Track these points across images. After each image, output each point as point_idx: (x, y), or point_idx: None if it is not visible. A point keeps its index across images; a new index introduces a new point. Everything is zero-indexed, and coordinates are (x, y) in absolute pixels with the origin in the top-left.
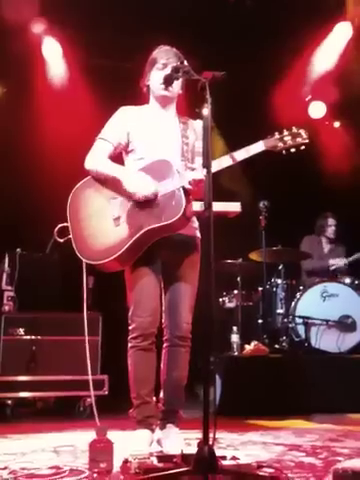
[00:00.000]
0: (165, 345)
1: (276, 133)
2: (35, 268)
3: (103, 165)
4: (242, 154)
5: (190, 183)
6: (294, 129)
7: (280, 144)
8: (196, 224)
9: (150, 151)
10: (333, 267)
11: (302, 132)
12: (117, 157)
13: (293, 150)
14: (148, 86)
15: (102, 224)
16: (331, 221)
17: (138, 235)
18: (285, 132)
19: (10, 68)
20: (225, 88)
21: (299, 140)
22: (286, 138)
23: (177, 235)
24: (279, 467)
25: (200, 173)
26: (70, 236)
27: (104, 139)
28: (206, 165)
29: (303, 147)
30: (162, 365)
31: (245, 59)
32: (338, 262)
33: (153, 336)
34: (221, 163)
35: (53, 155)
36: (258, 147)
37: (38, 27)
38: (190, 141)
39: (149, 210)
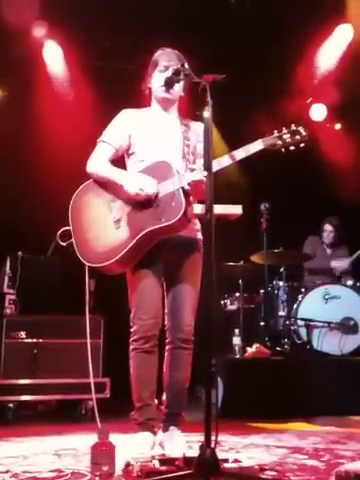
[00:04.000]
0: (167, 347)
1: (275, 131)
2: (37, 271)
3: (103, 168)
4: (241, 153)
5: (190, 184)
6: (293, 127)
7: (279, 142)
8: (198, 226)
9: (151, 153)
10: (336, 270)
11: (301, 130)
12: (119, 159)
13: (292, 148)
14: (150, 89)
15: (103, 227)
16: (327, 227)
17: (139, 237)
18: (284, 130)
19: (11, 71)
20: (225, 89)
21: (298, 138)
22: (285, 136)
23: (178, 237)
24: (281, 470)
25: (199, 174)
26: (72, 239)
27: (105, 142)
28: (207, 168)
29: (303, 145)
30: (164, 367)
31: (245, 60)
32: (341, 265)
33: (155, 338)
34: (220, 162)
35: (54, 157)
36: (257, 146)
37: (39, 30)
38: (191, 143)
39: (149, 212)
